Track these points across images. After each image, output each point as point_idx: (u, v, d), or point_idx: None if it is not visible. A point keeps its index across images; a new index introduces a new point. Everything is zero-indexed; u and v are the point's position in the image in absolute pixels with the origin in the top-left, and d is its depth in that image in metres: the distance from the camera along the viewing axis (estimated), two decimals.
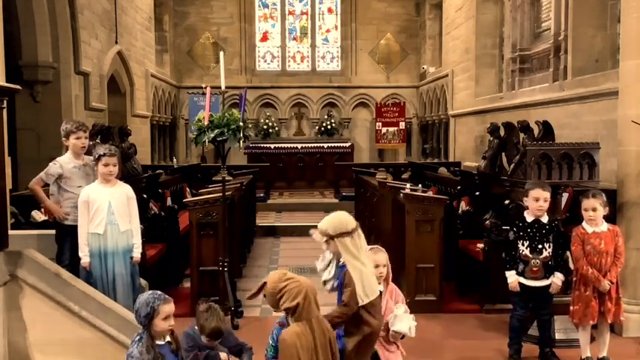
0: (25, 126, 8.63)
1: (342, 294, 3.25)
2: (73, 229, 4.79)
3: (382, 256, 3.85)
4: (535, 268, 4.54)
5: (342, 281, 3.26)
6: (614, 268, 4.40)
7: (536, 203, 4.55)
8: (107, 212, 4.66)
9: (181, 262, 6.94)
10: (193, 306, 5.71)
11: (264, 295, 3.02)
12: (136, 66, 12.77)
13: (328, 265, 3.39)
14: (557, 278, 4.55)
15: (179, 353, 3.22)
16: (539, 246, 4.55)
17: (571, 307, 4.53)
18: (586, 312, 4.43)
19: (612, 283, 4.39)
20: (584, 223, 4.48)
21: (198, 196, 6.56)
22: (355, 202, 10.98)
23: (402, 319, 3.67)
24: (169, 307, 3.13)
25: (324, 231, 3.28)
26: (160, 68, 15.55)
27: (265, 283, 3.01)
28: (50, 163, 4.92)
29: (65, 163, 4.90)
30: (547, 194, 4.55)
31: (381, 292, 3.75)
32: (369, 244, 3.52)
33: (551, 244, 4.55)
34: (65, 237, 4.86)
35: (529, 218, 4.60)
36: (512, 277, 4.61)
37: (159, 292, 3.18)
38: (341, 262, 3.29)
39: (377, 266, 3.82)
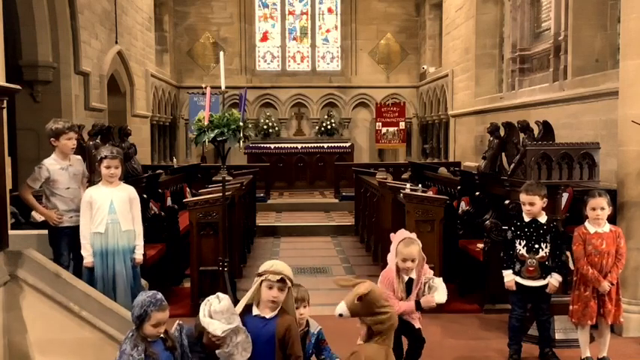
0: (25, 126, 8.62)
1: (276, 345, 3.08)
2: (69, 230, 4.80)
3: (414, 249, 3.81)
4: (531, 268, 4.53)
5: (276, 332, 3.09)
6: (615, 269, 4.38)
7: (523, 207, 4.57)
8: (108, 211, 4.66)
9: (181, 262, 6.94)
10: (193, 306, 5.73)
11: (359, 298, 3.08)
12: (136, 66, 12.77)
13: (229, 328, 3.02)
14: (554, 279, 4.53)
15: (174, 352, 3.16)
16: (536, 246, 4.54)
17: (570, 307, 4.52)
18: (585, 312, 4.42)
19: (613, 284, 4.38)
20: (586, 223, 4.46)
21: (198, 196, 6.56)
22: (355, 202, 10.98)
23: (439, 290, 3.88)
24: (162, 315, 3.07)
25: (288, 276, 3.11)
26: (160, 68, 15.55)
27: (360, 285, 3.06)
28: (35, 168, 4.83)
29: (51, 165, 4.83)
30: (533, 198, 4.50)
31: (411, 280, 3.92)
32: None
33: (548, 245, 4.54)
34: (60, 239, 4.84)
35: (526, 218, 4.59)
36: (508, 277, 4.61)
37: (158, 297, 3.09)
38: (271, 315, 3.11)
39: (405, 260, 3.81)
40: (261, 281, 3.11)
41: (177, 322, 3.31)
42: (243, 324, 3.07)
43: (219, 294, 3.08)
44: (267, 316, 3.13)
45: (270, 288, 3.08)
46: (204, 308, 3.06)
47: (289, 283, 3.13)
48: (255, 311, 3.14)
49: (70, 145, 4.89)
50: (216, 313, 2.99)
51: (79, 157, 5.14)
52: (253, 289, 3.13)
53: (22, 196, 4.93)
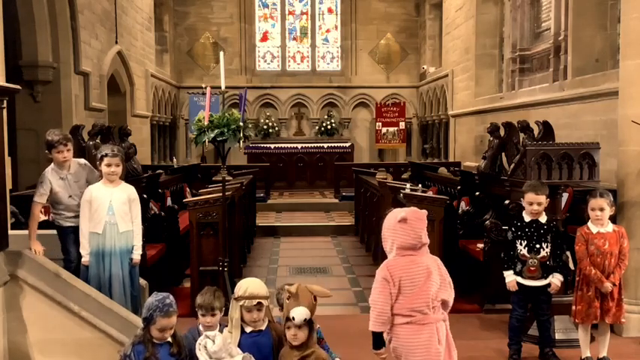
0: (25, 126, 8.63)
1: (274, 352, 3.16)
2: (71, 229, 4.80)
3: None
4: (532, 268, 4.53)
5: (272, 341, 3.20)
6: (618, 269, 4.36)
7: (530, 207, 4.55)
8: (106, 212, 4.65)
9: (181, 262, 6.94)
10: (193, 306, 5.73)
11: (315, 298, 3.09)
12: (136, 66, 12.77)
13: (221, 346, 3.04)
14: (556, 279, 4.53)
15: (180, 358, 3.13)
16: (537, 246, 4.54)
17: (573, 307, 4.51)
18: (588, 312, 4.40)
19: (615, 285, 4.36)
20: (589, 223, 4.44)
21: (198, 196, 6.56)
22: (355, 202, 10.98)
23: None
24: (167, 322, 3.07)
25: (264, 296, 3.18)
26: (160, 68, 15.55)
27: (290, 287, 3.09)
28: (38, 183, 4.75)
29: (52, 175, 4.75)
30: (541, 198, 4.50)
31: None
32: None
33: (549, 244, 4.53)
34: (64, 237, 4.84)
35: (527, 218, 4.59)
36: (509, 277, 4.61)
37: (166, 302, 3.09)
38: (264, 326, 3.19)
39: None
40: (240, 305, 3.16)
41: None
42: (241, 344, 3.13)
43: (206, 333, 3.11)
44: (262, 328, 3.22)
45: (250, 311, 3.15)
46: (202, 355, 3.03)
47: (266, 302, 3.19)
48: (247, 328, 3.19)
49: (60, 159, 4.76)
50: (216, 353, 3.00)
51: (83, 161, 5.03)
52: (237, 316, 3.16)
53: (32, 211, 4.78)
